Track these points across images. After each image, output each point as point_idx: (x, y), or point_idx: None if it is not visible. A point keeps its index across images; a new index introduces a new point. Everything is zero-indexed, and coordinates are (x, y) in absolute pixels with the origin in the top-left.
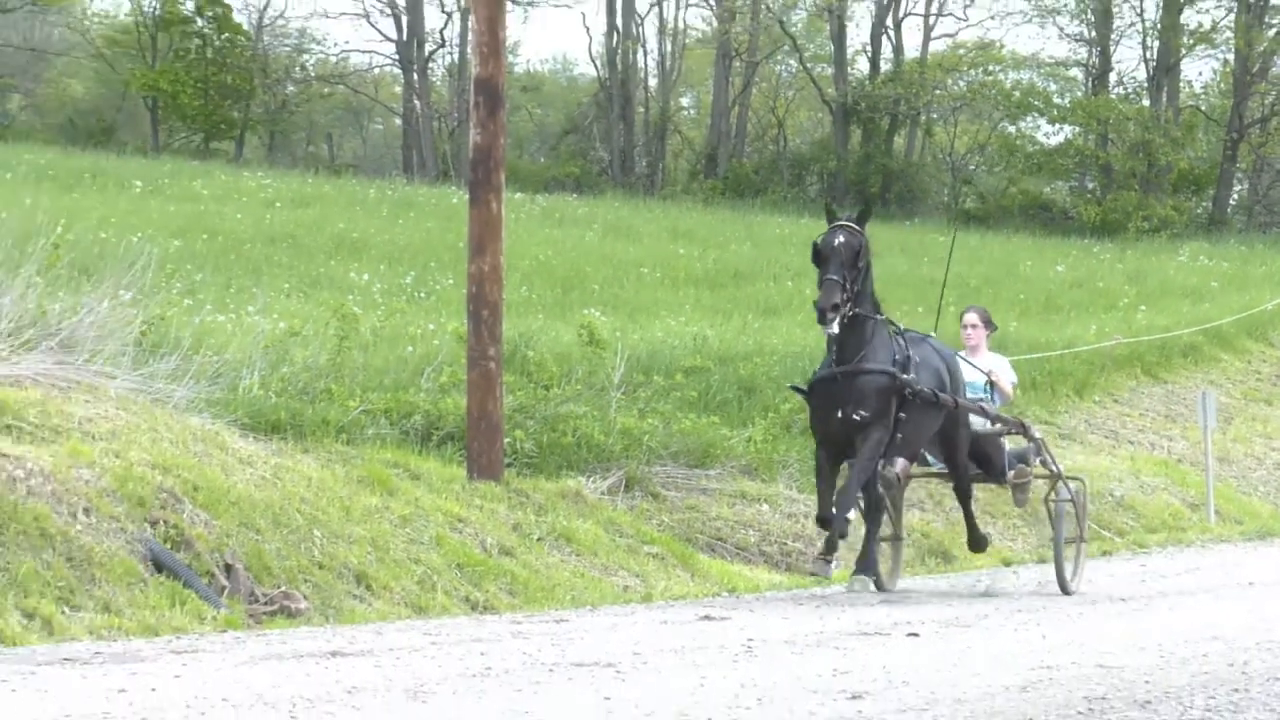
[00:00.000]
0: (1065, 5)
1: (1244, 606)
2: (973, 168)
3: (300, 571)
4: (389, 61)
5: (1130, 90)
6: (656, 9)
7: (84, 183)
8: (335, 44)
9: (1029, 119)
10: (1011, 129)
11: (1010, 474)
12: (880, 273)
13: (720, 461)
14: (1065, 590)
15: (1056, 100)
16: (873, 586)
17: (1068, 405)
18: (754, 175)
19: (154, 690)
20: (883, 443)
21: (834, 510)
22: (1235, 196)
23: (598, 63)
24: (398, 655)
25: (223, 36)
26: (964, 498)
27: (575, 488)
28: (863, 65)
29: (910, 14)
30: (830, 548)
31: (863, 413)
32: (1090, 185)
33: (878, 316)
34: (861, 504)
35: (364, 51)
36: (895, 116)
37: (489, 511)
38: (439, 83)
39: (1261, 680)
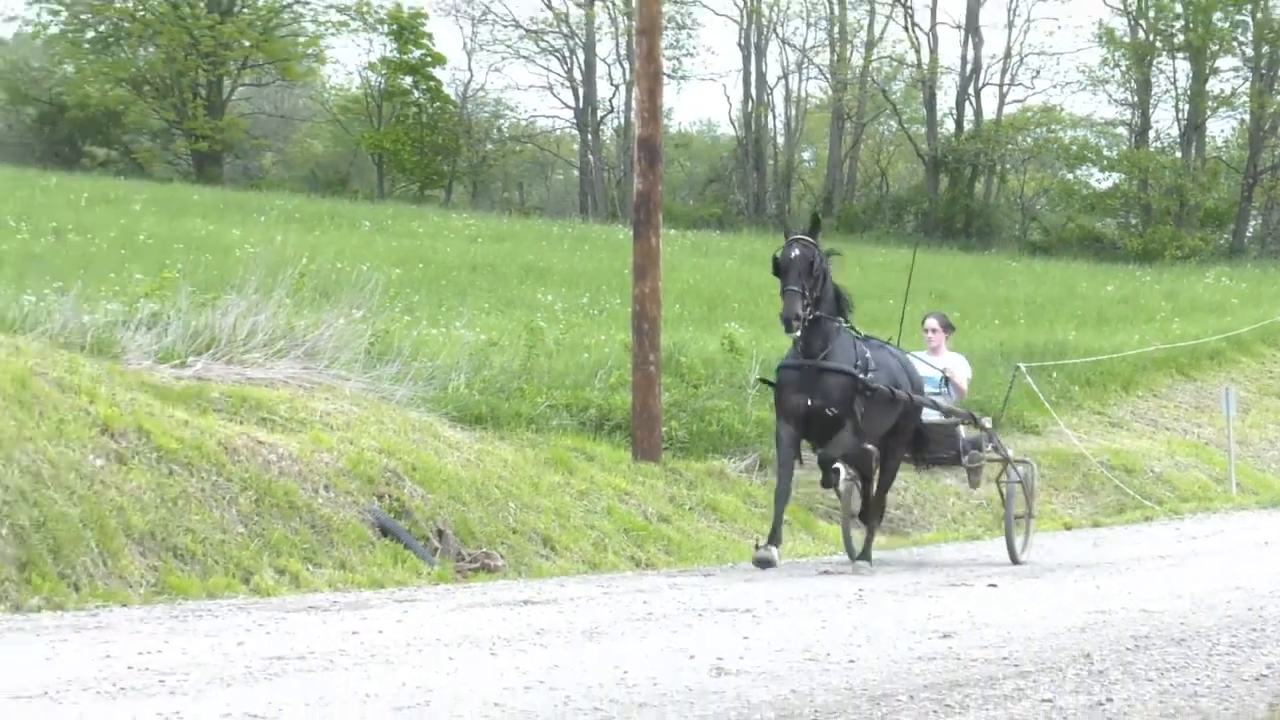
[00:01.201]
0: (1112, 76)
1: (1261, 562)
2: (1038, 207)
3: (498, 536)
4: (568, 124)
5: (1165, 144)
6: (783, 81)
7: (323, 223)
8: (525, 110)
9: (1084, 168)
10: (1069, 176)
11: (965, 459)
12: (963, 293)
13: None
14: (1014, 560)
15: (1105, 153)
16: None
17: (1117, 399)
18: (862, 214)
19: (380, 632)
20: (852, 436)
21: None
22: (1251, 229)
23: (736, 124)
24: (576, 603)
25: (435, 105)
26: (886, 477)
27: (719, 467)
28: (949, 125)
29: (988, 84)
30: (774, 538)
31: (833, 410)
32: (1133, 221)
33: (839, 321)
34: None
35: (548, 116)
36: (975, 166)
37: (650, 486)
38: (608, 141)
39: (1275, 622)
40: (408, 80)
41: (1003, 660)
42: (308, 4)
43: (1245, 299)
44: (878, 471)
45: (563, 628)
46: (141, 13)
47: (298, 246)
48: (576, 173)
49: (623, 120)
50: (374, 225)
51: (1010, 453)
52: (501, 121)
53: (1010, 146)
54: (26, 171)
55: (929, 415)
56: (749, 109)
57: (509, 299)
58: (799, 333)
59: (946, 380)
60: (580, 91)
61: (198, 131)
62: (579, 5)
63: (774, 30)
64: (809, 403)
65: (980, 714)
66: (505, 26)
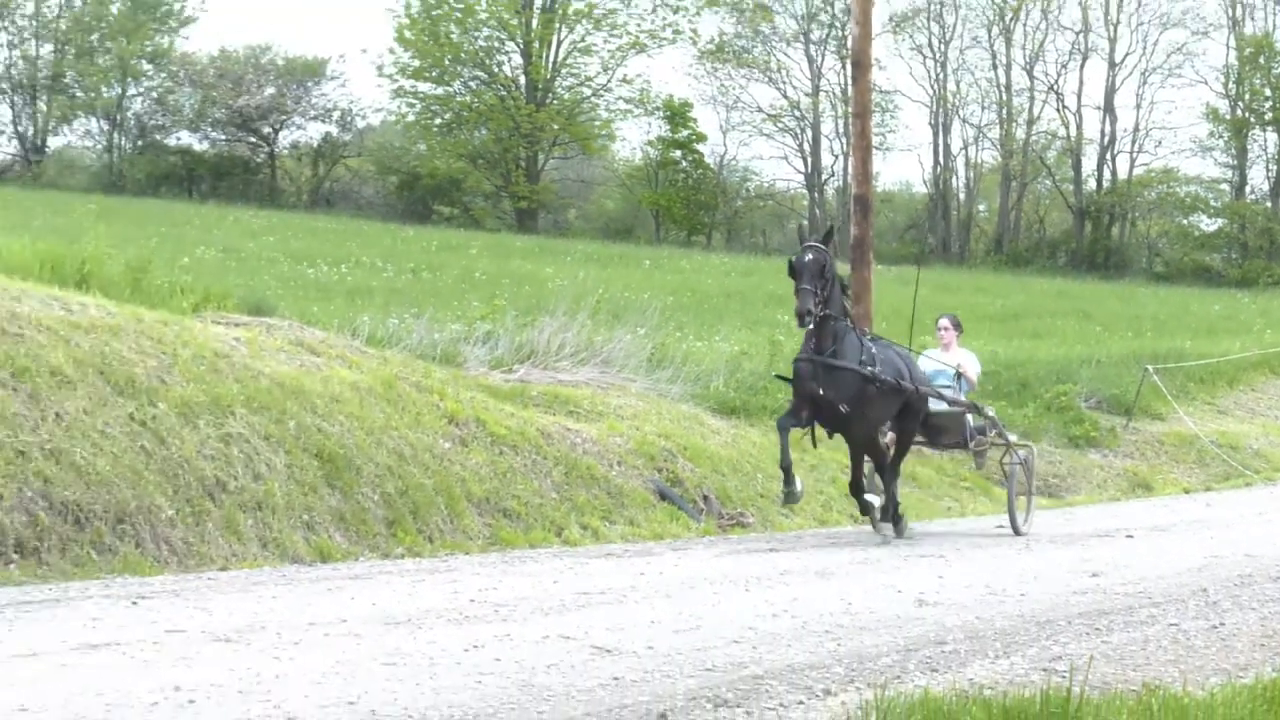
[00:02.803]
0: (1217, 144)
1: None
2: (1160, 245)
3: (749, 499)
4: (799, 185)
5: (1259, 196)
6: (964, 150)
7: (614, 263)
8: (767, 175)
9: (1195, 215)
10: (1184, 221)
11: (971, 444)
12: (1103, 312)
13: (1007, 429)
14: (1016, 531)
15: (1212, 203)
16: (899, 534)
17: (1223, 393)
18: (1024, 252)
19: (661, 573)
20: (865, 441)
21: (863, 499)
22: None
23: (927, 184)
24: (811, 550)
25: (698, 171)
26: (898, 457)
27: (915, 447)
28: (1091, 183)
29: (1121, 151)
30: (789, 479)
31: (846, 406)
32: (1234, 256)
33: (845, 321)
34: (881, 497)
35: (784, 179)
36: (1112, 215)
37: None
38: (830, 198)
39: None
40: (677, 153)
41: (1139, 594)
42: (602, 96)
43: None
44: (892, 451)
45: (800, 569)
46: (476, 104)
47: (595, 281)
48: (806, 222)
49: (842, 182)
50: (652, 264)
51: (1013, 438)
52: (748, 183)
53: (1138, 199)
54: (390, 225)
55: (936, 405)
56: (937, 172)
57: (755, 319)
58: (811, 326)
59: (958, 375)
60: (809, 160)
61: (519, 194)
62: (807, 95)
63: (956, 112)
64: (820, 391)
65: (1122, 635)
66: (751, 112)
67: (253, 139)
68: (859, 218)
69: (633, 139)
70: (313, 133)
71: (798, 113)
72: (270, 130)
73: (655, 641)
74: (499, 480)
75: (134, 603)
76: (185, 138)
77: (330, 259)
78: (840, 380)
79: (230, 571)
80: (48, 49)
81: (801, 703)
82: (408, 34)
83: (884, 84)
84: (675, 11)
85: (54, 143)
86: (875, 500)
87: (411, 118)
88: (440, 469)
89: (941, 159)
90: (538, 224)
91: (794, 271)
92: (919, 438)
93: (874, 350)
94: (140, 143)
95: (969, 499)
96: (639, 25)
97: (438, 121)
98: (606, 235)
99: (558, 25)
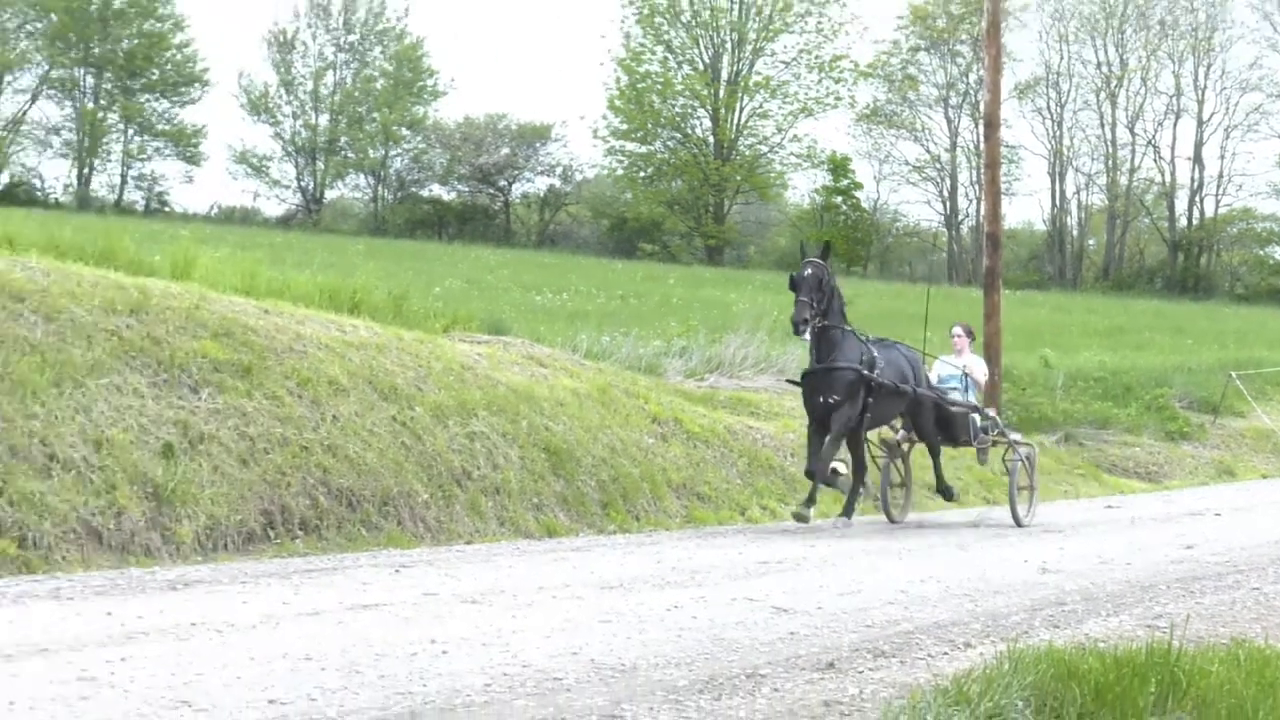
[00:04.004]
0: None
1: None
2: (1242, 272)
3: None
4: (940, 224)
5: None
6: (1076, 195)
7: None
8: (913, 216)
9: (1270, 246)
10: (1261, 251)
11: (975, 441)
12: (1194, 328)
13: (1112, 426)
14: (1018, 523)
15: None
16: (852, 525)
17: None
18: (1127, 279)
19: (828, 546)
20: (850, 419)
21: (816, 466)
22: None
23: (1045, 222)
24: (952, 528)
25: (855, 214)
26: (935, 456)
27: (1039, 440)
28: (1183, 221)
29: (1208, 194)
30: (810, 500)
31: (836, 398)
32: None
33: (845, 328)
34: (848, 464)
35: (927, 220)
36: (1200, 246)
37: (995, 452)
38: (965, 234)
39: None
40: (838, 199)
41: (1226, 563)
42: (776, 152)
43: None
44: (904, 447)
45: (942, 543)
46: (673, 160)
47: (771, 304)
48: (945, 255)
49: (975, 221)
50: None
51: (1016, 437)
52: (897, 223)
53: (1222, 234)
54: (602, 260)
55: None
56: (1054, 212)
57: (901, 335)
58: (807, 336)
59: (968, 377)
60: (947, 203)
61: (708, 233)
62: (946, 150)
63: (1070, 162)
64: (823, 400)
65: (1213, 598)
66: (900, 164)
67: (491, 190)
68: (990, 251)
69: (802, 187)
70: (540, 184)
71: (938, 165)
72: (505, 183)
73: (824, 603)
74: (693, 469)
75: (396, 571)
76: (436, 190)
77: (554, 288)
78: (836, 379)
79: (474, 545)
80: (325, 119)
81: (945, 654)
82: (618, 103)
83: (1010, 140)
84: (837, 82)
85: (330, 195)
86: (841, 468)
87: (620, 171)
88: (645, 460)
89: (1058, 201)
90: (724, 258)
91: (794, 285)
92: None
93: (875, 353)
94: (399, 194)
95: (1082, 484)
96: (807, 94)
97: (642, 174)
98: (780, 267)
99: (740, 95)
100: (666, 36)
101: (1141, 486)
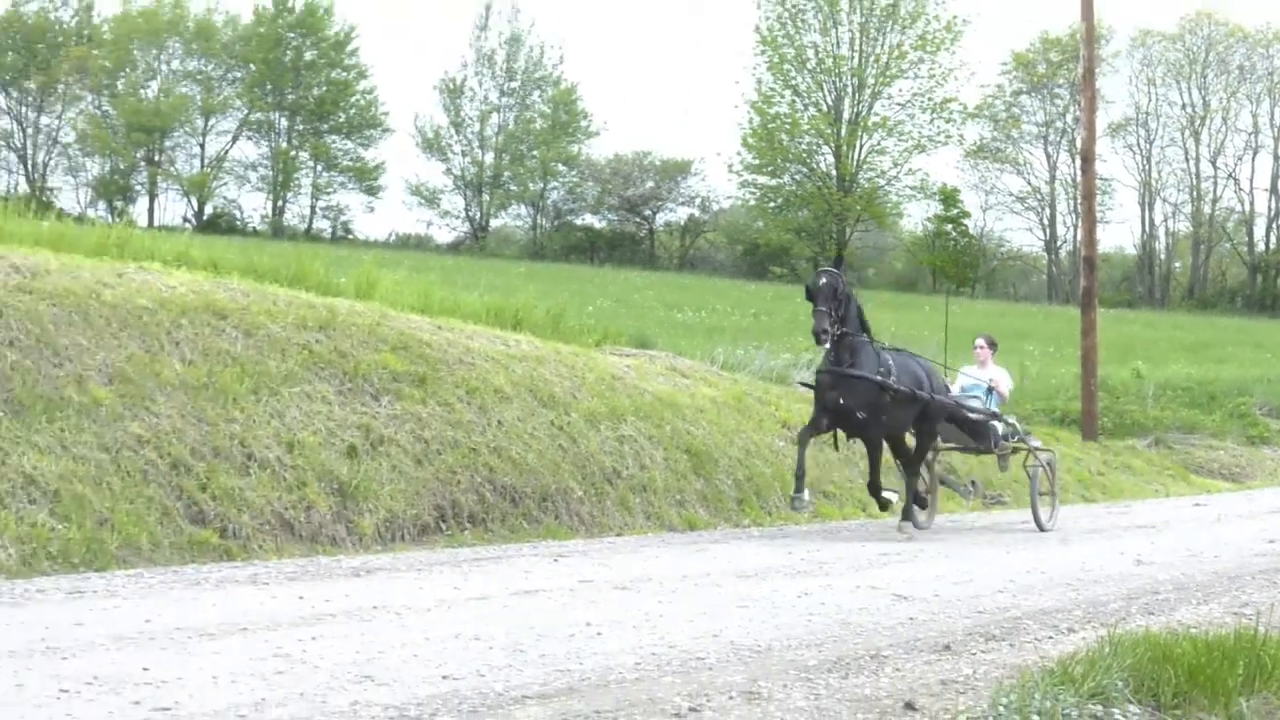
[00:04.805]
0: None
1: None
2: None
3: (1006, 484)
4: (1040, 249)
5: None
6: (1165, 222)
7: (902, 308)
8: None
9: None
10: None
11: (996, 448)
12: (1273, 342)
13: (1199, 431)
14: (1041, 527)
15: None
16: (914, 530)
17: None
18: (1210, 298)
19: (942, 539)
20: (880, 443)
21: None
22: None
23: (1136, 248)
24: (1058, 522)
25: (964, 239)
26: (919, 453)
27: (1132, 444)
28: (1261, 246)
29: None
30: (799, 487)
31: (862, 413)
32: None
33: (862, 336)
34: (900, 494)
35: (1029, 246)
36: (1277, 268)
37: (1091, 455)
38: (1064, 258)
39: None
40: (949, 227)
41: None
42: (893, 184)
43: None
44: (913, 448)
45: (1045, 537)
46: (800, 192)
47: (888, 321)
48: (1045, 277)
49: (1072, 246)
50: (930, 309)
51: (1036, 443)
52: (1001, 248)
53: None
54: (736, 282)
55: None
56: (1144, 238)
57: (1007, 349)
58: (828, 344)
59: (990, 388)
60: (1047, 230)
61: (831, 258)
62: (1046, 183)
63: (1157, 193)
64: (840, 401)
65: None
66: (1004, 195)
67: (637, 219)
68: (1087, 274)
69: (915, 216)
70: (681, 214)
71: (1039, 195)
72: (650, 212)
73: (940, 590)
74: (820, 470)
75: (555, 560)
76: (588, 218)
77: (694, 307)
78: (857, 389)
79: (624, 537)
80: (490, 156)
81: (1050, 638)
82: (750, 140)
83: (1104, 173)
84: (947, 122)
85: (494, 224)
86: (892, 497)
87: (752, 202)
88: (776, 461)
89: (1147, 228)
90: None
91: (810, 295)
92: (952, 443)
93: (891, 362)
94: (556, 223)
95: (1171, 483)
96: (920, 132)
97: (771, 205)
98: (896, 288)
99: (860, 133)
100: (794, 82)
101: (1226, 486)
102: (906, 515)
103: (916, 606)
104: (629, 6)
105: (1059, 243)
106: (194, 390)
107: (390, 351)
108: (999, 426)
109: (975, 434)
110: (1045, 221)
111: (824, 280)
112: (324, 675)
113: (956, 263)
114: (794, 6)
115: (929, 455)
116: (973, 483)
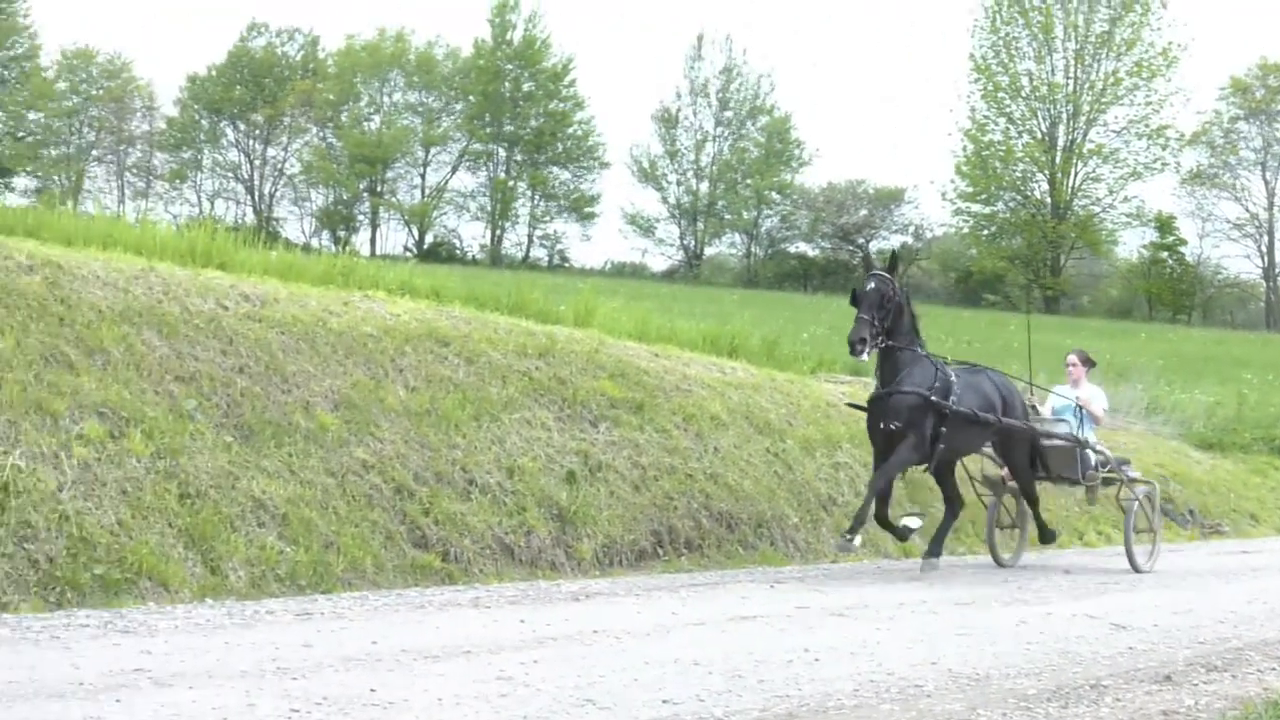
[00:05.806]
0: None
1: None
2: None
3: (1223, 513)
4: (1258, 276)
5: None
6: None
7: (1117, 335)
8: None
9: None
10: None
11: (1084, 479)
12: None
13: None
14: (1135, 568)
15: None
16: (938, 567)
17: None
18: None
19: (1161, 568)
20: (912, 450)
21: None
22: None
23: None
24: (1274, 552)
25: (1180, 267)
26: (1030, 501)
27: None
28: None
29: None
30: (855, 528)
31: (897, 424)
32: None
33: (915, 349)
34: (922, 517)
35: (1246, 272)
36: None
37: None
38: None
39: None
40: (1164, 254)
41: None
42: (1108, 212)
43: None
44: (1007, 489)
45: (1269, 566)
46: (1014, 219)
47: (1102, 349)
48: (1263, 304)
49: None
50: (1146, 336)
51: (1134, 474)
52: (1218, 275)
53: None
54: (950, 309)
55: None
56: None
57: (1226, 377)
58: (864, 357)
59: (1081, 409)
60: (1265, 256)
61: (1046, 285)
62: (1264, 209)
63: None
64: (883, 427)
65: None
66: (1221, 222)
67: (850, 247)
68: None
69: (1131, 243)
70: (894, 242)
71: (1256, 222)
72: (864, 240)
73: (1159, 620)
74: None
75: (771, 586)
76: (802, 246)
77: None
78: (898, 404)
79: (839, 564)
80: (704, 185)
81: (1274, 669)
82: (964, 168)
83: None
84: (1163, 149)
85: (708, 252)
86: (913, 523)
87: (966, 230)
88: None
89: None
90: (1060, 307)
91: (855, 300)
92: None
93: (953, 379)
94: (769, 251)
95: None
96: (1136, 159)
97: (985, 232)
98: (1111, 315)
99: (1075, 160)
100: (1008, 109)
101: None
102: (934, 549)
103: (1135, 636)
104: (840, 35)
105: (1278, 270)
106: (417, 416)
107: (608, 378)
108: (1090, 455)
109: (1045, 463)
110: (1264, 249)
111: (872, 285)
112: (546, 698)
113: (1172, 290)
114: (1008, 35)
115: (1009, 485)
116: (1190, 511)
